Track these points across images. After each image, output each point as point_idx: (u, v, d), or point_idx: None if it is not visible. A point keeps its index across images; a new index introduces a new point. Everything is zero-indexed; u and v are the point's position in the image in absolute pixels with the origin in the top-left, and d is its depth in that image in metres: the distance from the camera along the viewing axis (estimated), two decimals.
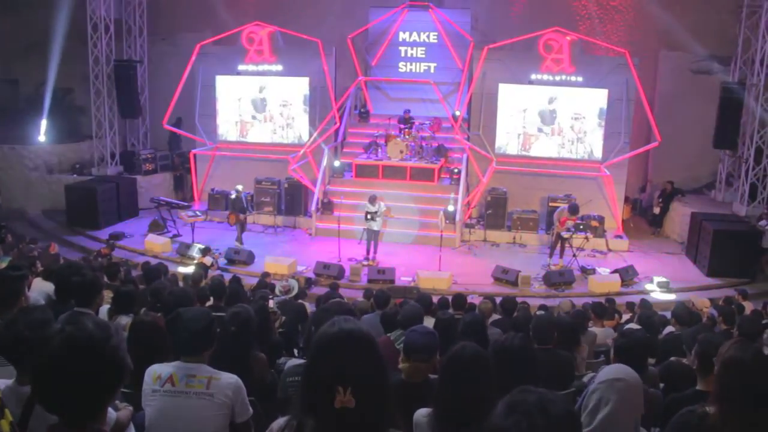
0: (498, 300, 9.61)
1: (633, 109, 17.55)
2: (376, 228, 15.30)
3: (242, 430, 3.68)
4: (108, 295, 7.15)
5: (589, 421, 3.13)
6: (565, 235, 15.26)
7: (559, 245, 15.53)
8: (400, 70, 20.76)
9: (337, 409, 2.01)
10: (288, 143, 19.26)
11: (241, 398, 3.61)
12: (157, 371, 3.59)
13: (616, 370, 3.19)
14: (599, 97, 17.65)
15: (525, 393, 1.86)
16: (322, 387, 2.04)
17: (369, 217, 15.13)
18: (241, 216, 16.18)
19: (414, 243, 16.68)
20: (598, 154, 17.82)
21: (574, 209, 15.27)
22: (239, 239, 16.32)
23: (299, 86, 19.16)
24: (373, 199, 15.30)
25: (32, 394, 2.67)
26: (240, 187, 16.36)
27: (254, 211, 17.39)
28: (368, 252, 15.50)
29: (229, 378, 3.61)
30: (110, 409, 2.71)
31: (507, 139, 18.25)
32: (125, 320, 5.57)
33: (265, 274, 12.88)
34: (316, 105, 18.99)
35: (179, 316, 3.75)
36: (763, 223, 15.78)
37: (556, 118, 17.92)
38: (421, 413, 3.19)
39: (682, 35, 18.15)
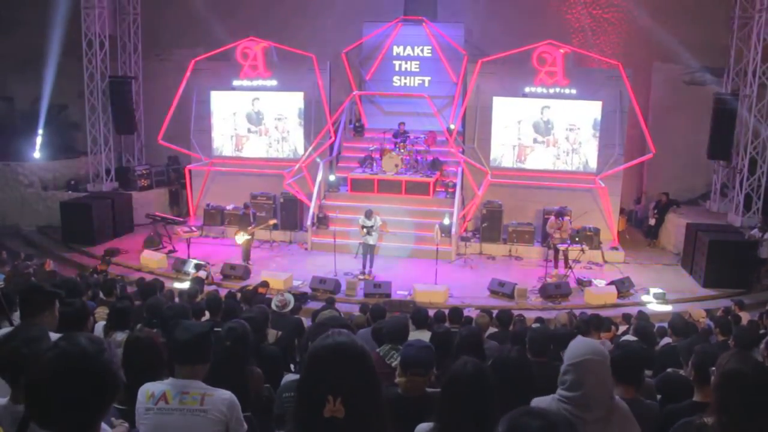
0: (494, 313, 9.59)
1: (627, 120, 17.63)
2: (372, 242, 15.32)
3: None
4: (103, 311, 7.14)
5: (568, 399, 3.16)
6: (561, 247, 15.31)
7: (554, 256, 15.60)
8: (394, 84, 20.81)
9: (327, 420, 2.00)
10: (283, 157, 19.29)
11: (235, 414, 3.57)
12: (150, 389, 3.56)
13: (581, 349, 3.19)
14: (593, 109, 17.72)
15: (528, 417, 1.84)
16: (314, 398, 2.03)
17: (365, 231, 15.15)
18: (249, 229, 16.09)
19: (410, 257, 16.67)
20: (593, 165, 17.87)
21: (558, 212, 15.50)
22: (247, 256, 16.21)
23: (294, 101, 19.21)
24: (369, 214, 15.32)
25: (26, 413, 2.65)
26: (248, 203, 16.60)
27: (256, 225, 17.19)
28: (364, 266, 15.49)
29: (223, 394, 3.58)
30: (106, 426, 2.69)
31: (502, 151, 18.30)
32: (121, 336, 5.55)
33: (264, 283, 12.66)
34: (311, 120, 19.03)
35: (180, 323, 3.76)
36: (755, 232, 15.81)
37: (551, 129, 17.98)
38: (422, 428, 3.18)
39: (675, 47, 18.28)
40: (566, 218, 15.65)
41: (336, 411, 1.99)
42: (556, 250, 15.46)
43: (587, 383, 3.09)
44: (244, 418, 3.68)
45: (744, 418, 2.90)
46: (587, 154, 17.95)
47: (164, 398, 3.50)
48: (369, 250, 15.44)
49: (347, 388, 2.03)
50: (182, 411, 3.48)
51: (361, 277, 15.22)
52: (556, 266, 15.59)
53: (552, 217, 15.69)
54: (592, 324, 8.95)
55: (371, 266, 15.54)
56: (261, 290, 11.63)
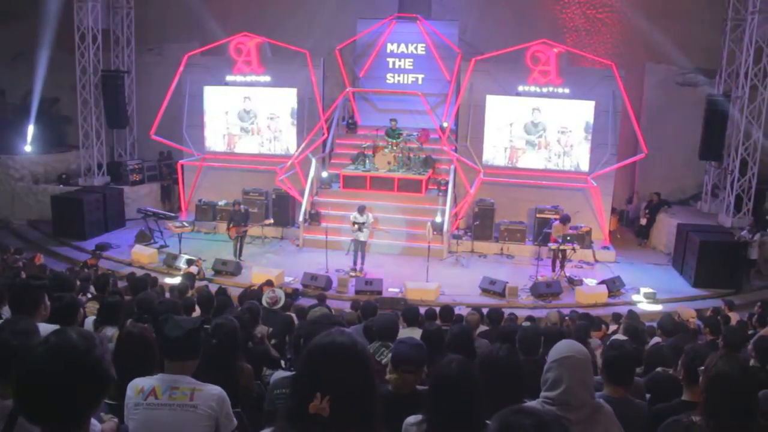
0: (485, 311, 9.61)
1: (619, 120, 17.67)
2: (363, 238, 15.30)
3: None
4: (94, 306, 7.11)
5: (550, 399, 3.21)
6: (552, 246, 15.32)
7: (552, 257, 15.62)
8: (387, 81, 20.77)
9: (317, 417, 2.00)
10: (276, 154, 19.25)
11: (225, 410, 3.57)
12: (139, 384, 3.55)
13: (564, 348, 3.25)
14: (586, 109, 17.75)
15: (520, 415, 1.83)
16: (308, 396, 2.03)
17: (357, 227, 15.13)
18: (241, 228, 16.05)
19: (401, 254, 16.65)
20: (584, 167, 17.90)
21: (565, 219, 15.40)
22: (239, 253, 16.15)
23: (287, 97, 19.17)
24: (362, 210, 15.32)
25: (15, 408, 2.64)
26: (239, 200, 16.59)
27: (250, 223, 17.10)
28: (356, 263, 15.48)
29: (212, 389, 3.58)
30: (95, 421, 2.68)
31: (494, 152, 18.33)
32: (110, 331, 5.53)
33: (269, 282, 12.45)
34: (304, 116, 19.00)
35: (171, 318, 3.75)
36: (744, 233, 15.88)
37: (543, 131, 17.99)
38: (410, 421, 3.19)
39: (668, 48, 18.34)
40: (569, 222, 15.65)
41: (321, 409, 1.99)
42: (558, 254, 15.47)
43: (567, 380, 3.12)
44: (233, 414, 3.68)
45: (731, 420, 2.93)
46: (579, 156, 17.98)
47: (154, 393, 3.49)
48: (360, 247, 15.43)
49: (341, 388, 2.02)
50: (172, 406, 3.47)
51: (353, 274, 15.21)
52: (554, 269, 15.60)
53: (557, 222, 15.54)
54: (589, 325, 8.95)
55: (363, 263, 15.53)
56: (265, 288, 11.56)
